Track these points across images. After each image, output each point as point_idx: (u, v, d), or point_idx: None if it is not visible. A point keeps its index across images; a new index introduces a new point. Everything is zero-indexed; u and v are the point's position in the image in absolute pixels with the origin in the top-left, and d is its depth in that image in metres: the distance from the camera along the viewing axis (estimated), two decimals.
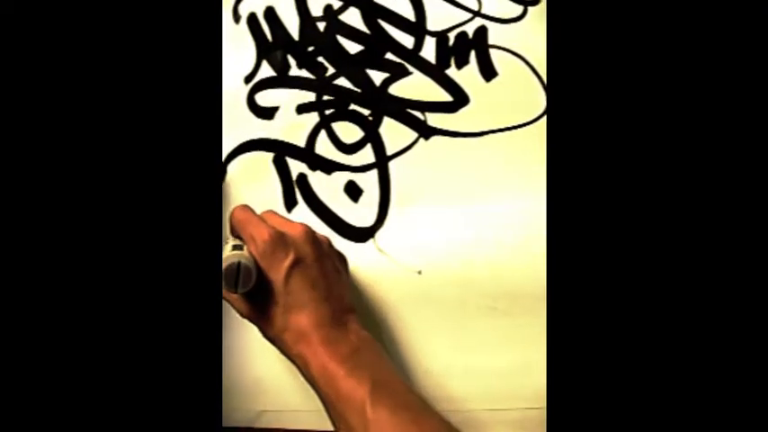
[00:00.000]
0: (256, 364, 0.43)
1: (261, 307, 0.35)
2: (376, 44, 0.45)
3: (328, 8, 0.45)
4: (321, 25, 0.45)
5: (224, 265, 0.33)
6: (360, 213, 0.44)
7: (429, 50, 0.45)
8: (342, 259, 0.40)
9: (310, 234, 0.36)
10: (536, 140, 0.44)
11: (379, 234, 0.44)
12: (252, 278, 0.33)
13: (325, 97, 0.45)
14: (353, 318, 0.36)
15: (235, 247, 0.35)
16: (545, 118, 0.45)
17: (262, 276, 0.34)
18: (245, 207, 0.37)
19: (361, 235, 0.44)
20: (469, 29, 0.46)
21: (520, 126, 0.45)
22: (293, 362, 0.35)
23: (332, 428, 0.33)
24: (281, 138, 0.45)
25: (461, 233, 0.44)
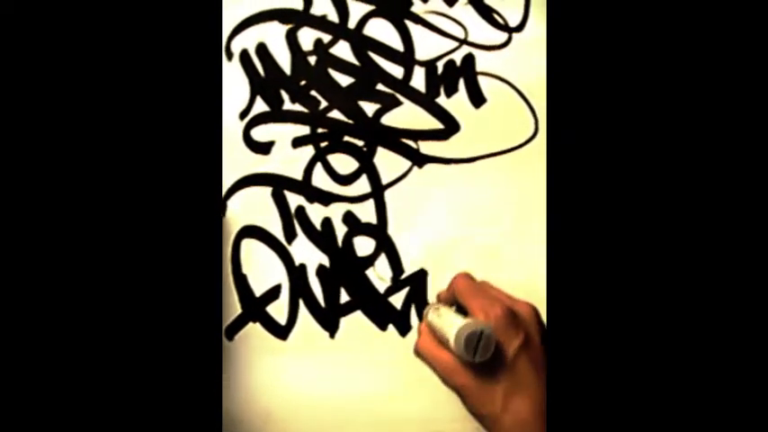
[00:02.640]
0: (263, 397, 0.44)
1: (483, 382, 0.34)
2: (367, 76, 0.46)
3: (318, 42, 0.46)
4: (312, 59, 0.46)
5: (464, 331, 0.32)
6: (359, 243, 0.45)
7: (419, 80, 0.46)
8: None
9: (538, 314, 0.36)
10: (526, 163, 0.46)
11: (378, 262, 0.45)
12: (491, 349, 0.32)
13: (320, 130, 0.46)
14: None
15: (458, 312, 0.34)
16: (534, 141, 0.46)
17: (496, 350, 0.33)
18: (469, 276, 0.37)
19: (360, 264, 0.45)
20: (457, 57, 0.47)
21: (510, 150, 0.46)
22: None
23: None
24: (278, 172, 0.45)
25: (456, 257, 0.45)
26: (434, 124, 0.46)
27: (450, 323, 0.34)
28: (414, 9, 0.47)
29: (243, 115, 0.46)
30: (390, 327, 0.45)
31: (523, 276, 0.45)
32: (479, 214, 0.45)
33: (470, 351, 0.32)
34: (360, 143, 0.46)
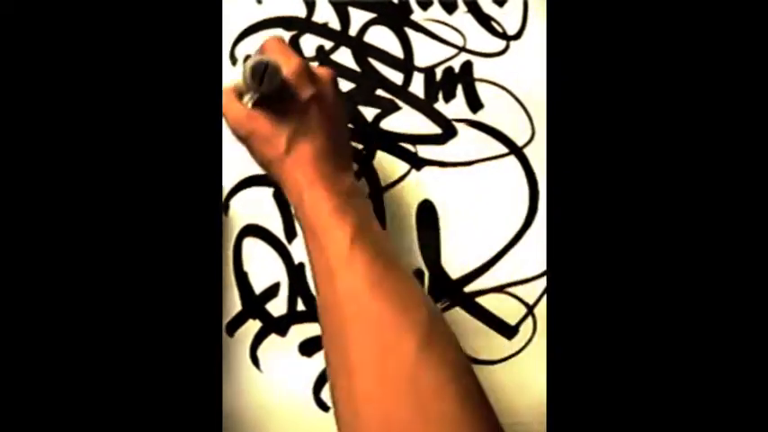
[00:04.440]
0: (262, 391, 0.45)
1: (271, 125, 0.35)
2: (367, 81, 0.47)
3: (320, 49, 0.48)
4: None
5: (250, 62, 0.33)
6: None
7: (417, 85, 0.48)
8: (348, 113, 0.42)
9: (335, 78, 0.38)
10: (522, 168, 0.47)
11: None
12: (277, 78, 0.34)
13: None
14: (352, 170, 0.38)
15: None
16: (531, 146, 0.47)
17: (284, 91, 0.35)
18: (280, 38, 0.38)
19: None
20: (455, 64, 0.48)
21: (507, 154, 0.47)
22: (284, 190, 0.36)
23: None
24: None
25: (453, 259, 0.46)
26: (432, 129, 0.47)
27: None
28: (414, 17, 0.48)
29: None
30: None
31: (523, 279, 0.46)
32: (476, 217, 0.46)
33: (256, 79, 0.33)
34: (359, 146, 0.47)
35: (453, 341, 0.32)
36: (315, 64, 0.44)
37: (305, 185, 0.34)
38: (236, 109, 0.36)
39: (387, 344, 0.30)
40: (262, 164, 0.37)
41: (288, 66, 0.35)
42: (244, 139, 0.37)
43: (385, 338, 0.31)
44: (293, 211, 0.36)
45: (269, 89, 0.34)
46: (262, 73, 0.33)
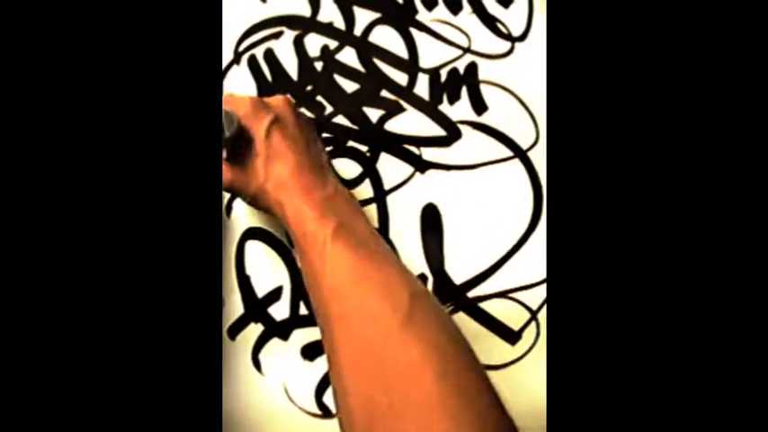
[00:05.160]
0: (260, 401, 0.45)
1: (244, 164, 0.38)
2: (371, 82, 0.47)
3: (325, 48, 0.47)
4: (318, 65, 0.47)
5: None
6: None
7: (422, 87, 0.47)
8: (317, 129, 0.44)
9: (289, 102, 0.40)
10: (526, 171, 0.47)
11: None
12: (234, 122, 0.36)
13: (325, 135, 0.46)
14: (330, 172, 0.40)
15: None
16: (535, 149, 0.47)
17: (244, 132, 0.37)
18: (229, 93, 0.40)
19: None
20: (460, 65, 0.48)
21: (512, 157, 0.47)
22: (274, 213, 0.38)
23: None
24: None
25: (457, 262, 0.46)
26: (437, 131, 0.47)
27: None
28: (419, 17, 0.48)
29: None
30: None
31: (526, 284, 0.46)
32: (480, 221, 0.46)
33: (223, 132, 0.35)
34: (363, 148, 0.46)
35: (436, 321, 0.33)
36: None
37: (286, 201, 0.36)
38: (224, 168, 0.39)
39: (366, 335, 0.32)
40: (253, 203, 0.39)
41: (240, 105, 0.38)
42: (237, 191, 0.39)
43: (365, 330, 0.32)
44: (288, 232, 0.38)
45: (231, 132, 0.36)
46: (222, 124, 0.36)
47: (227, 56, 0.47)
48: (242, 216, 0.46)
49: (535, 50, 0.48)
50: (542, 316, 0.46)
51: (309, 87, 0.47)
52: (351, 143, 0.46)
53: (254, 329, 0.45)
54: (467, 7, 0.48)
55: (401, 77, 0.47)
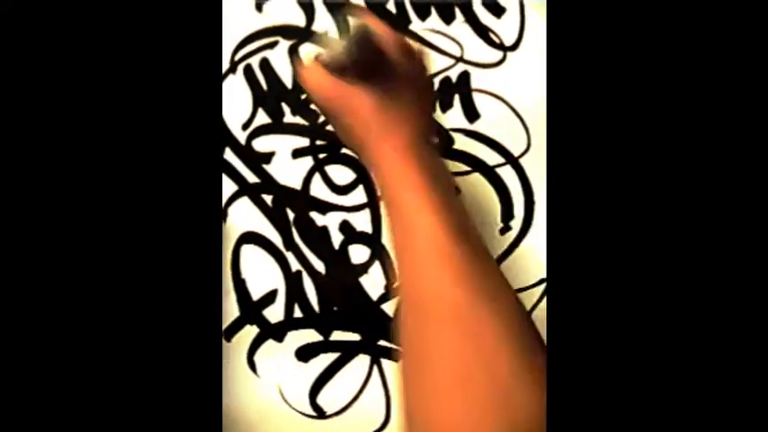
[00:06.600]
0: (255, 402, 0.45)
1: (362, 97, 0.34)
2: None
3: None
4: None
5: (349, 23, 0.34)
6: (354, 251, 0.47)
7: None
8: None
9: (427, 57, 0.37)
10: (518, 177, 0.47)
11: (372, 269, 0.47)
12: (372, 45, 0.32)
13: (319, 142, 0.48)
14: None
15: None
16: (527, 156, 0.48)
17: (377, 61, 0.33)
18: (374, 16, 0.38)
19: (356, 271, 0.47)
20: (453, 74, 0.48)
21: (503, 164, 0.48)
22: (368, 165, 0.35)
23: None
24: (278, 181, 0.47)
25: None
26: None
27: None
28: (412, 27, 0.49)
29: (245, 126, 0.48)
30: (383, 333, 0.46)
31: (517, 286, 0.46)
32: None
33: (352, 44, 0.32)
34: (356, 155, 0.47)
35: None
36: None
37: (398, 168, 0.33)
38: (323, 79, 0.35)
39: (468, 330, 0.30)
40: (348, 138, 0.36)
41: (384, 35, 0.34)
42: (329, 110, 0.36)
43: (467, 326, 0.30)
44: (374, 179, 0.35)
45: (361, 55, 0.32)
46: (358, 38, 0.32)
47: (223, 65, 0.48)
48: (237, 220, 0.47)
49: (527, 59, 0.49)
50: (534, 317, 0.46)
51: (304, 95, 0.48)
52: (344, 150, 0.47)
53: (250, 331, 0.46)
54: (459, 17, 0.49)
55: None
